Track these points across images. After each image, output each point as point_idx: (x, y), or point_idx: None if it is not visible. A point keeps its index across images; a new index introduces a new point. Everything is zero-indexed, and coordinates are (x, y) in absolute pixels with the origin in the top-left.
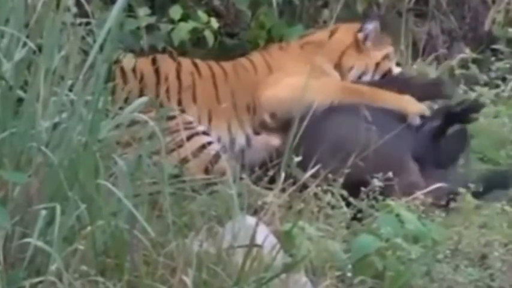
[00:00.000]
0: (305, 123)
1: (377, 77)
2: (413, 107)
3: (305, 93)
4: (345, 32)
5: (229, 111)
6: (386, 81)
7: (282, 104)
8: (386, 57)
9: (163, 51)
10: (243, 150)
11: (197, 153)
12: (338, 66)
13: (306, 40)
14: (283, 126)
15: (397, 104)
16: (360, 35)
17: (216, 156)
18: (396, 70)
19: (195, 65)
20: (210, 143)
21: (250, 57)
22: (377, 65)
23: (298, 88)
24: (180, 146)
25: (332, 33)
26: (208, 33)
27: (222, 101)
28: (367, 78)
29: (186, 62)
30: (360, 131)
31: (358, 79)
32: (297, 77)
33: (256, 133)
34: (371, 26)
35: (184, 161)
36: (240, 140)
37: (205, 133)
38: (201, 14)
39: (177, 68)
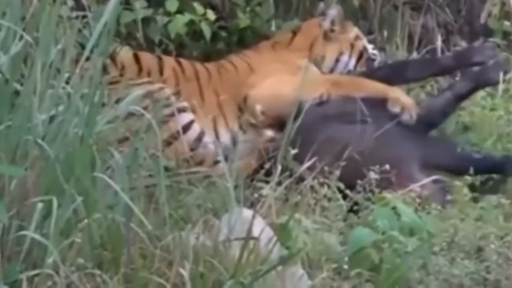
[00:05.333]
0: (298, 118)
1: (354, 57)
2: (406, 99)
3: (293, 89)
4: (309, 26)
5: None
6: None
7: (271, 101)
8: (357, 36)
9: (160, 44)
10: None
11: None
12: (312, 60)
13: (274, 40)
14: (273, 123)
15: (386, 93)
16: (325, 23)
17: (201, 134)
18: (370, 47)
19: (178, 62)
20: (192, 122)
21: (230, 59)
22: (351, 45)
23: (284, 85)
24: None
25: (296, 31)
26: (204, 26)
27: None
28: (345, 60)
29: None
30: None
31: (336, 63)
32: (279, 75)
33: (244, 131)
34: (334, 11)
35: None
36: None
37: (184, 110)
38: (197, 6)
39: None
